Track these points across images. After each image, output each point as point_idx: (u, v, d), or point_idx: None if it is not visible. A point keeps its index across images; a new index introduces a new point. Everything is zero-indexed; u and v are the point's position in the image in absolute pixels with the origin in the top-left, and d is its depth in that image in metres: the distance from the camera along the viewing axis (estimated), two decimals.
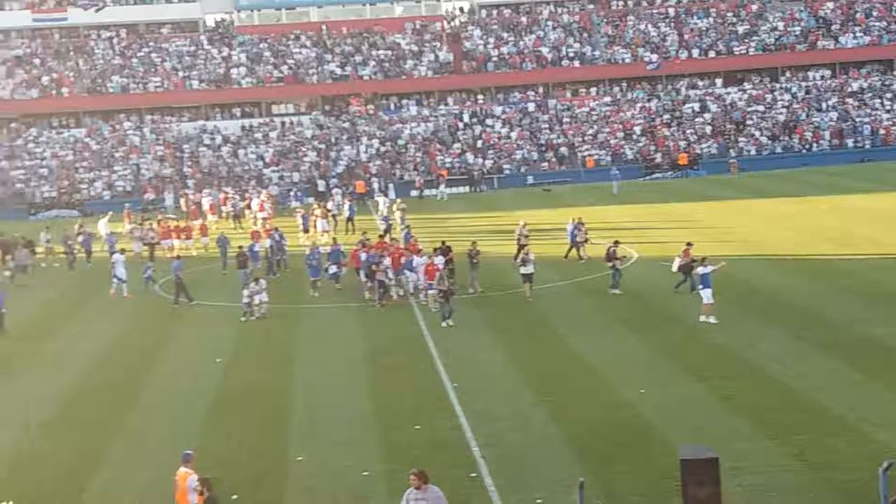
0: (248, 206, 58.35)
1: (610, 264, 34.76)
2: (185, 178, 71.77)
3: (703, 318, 29.59)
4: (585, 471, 18.37)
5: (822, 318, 29.33)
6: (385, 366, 27.53)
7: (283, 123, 78.54)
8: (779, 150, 74.92)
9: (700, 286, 30.11)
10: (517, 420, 22.38)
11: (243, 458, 20.68)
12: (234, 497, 18.07)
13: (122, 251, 41.36)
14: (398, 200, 54.25)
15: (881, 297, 31.38)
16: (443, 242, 37.13)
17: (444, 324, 31.20)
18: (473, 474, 19.35)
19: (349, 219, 52.84)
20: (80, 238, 47.90)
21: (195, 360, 29.26)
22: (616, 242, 35.50)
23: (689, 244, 34.31)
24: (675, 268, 33.59)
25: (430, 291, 33.08)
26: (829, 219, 46.50)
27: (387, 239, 40.68)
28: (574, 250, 41.15)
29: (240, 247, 40.65)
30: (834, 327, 28.31)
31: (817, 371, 24.39)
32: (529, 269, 34.30)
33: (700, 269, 30.24)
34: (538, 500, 17.86)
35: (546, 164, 74.11)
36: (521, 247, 38.80)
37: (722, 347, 27.05)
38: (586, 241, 40.91)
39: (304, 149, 75.55)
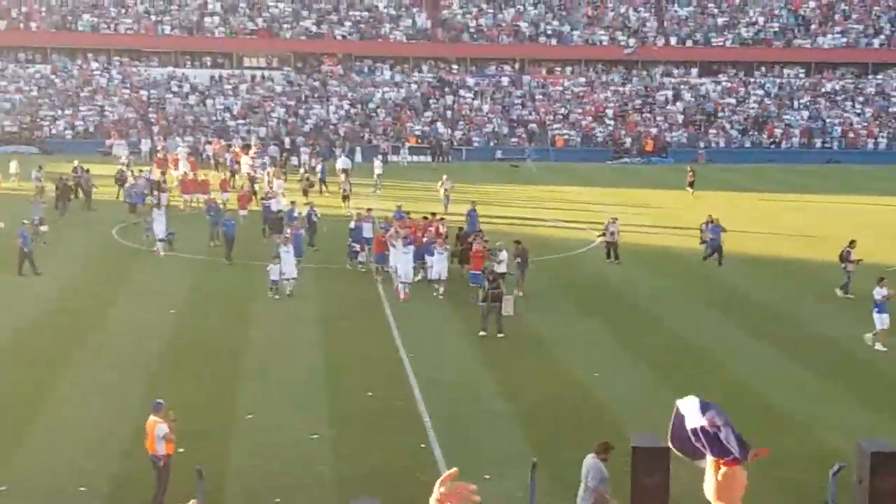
0: (238, 160, 56.00)
1: (843, 266, 31.65)
2: (150, 125, 70.81)
3: (875, 345, 26.20)
4: (535, 450, 18.28)
5: (781, 317, 29.37)
6: (341, 330, 27.29)
7: (253, 77, 77.63)
8: (747, 144, 75.21)
9: (875, 309, 26.45)
10: (470, 393, 22.28)
11: (191, 412, 20.34)
12: (181, 450, 17.80)
13: (158, 204, 38.60)
14: (445, 177, 47.75)
15: (842, 300, 31.45)
16: (519, 243, 31.82)
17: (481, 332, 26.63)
18: (423, 445, 19.24)
19: (321, 180, 51.23)
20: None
21: (150, 309, 28.85)
22: (852, 243, 32.15)
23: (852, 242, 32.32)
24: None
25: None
26: (795, 217, 46.70)
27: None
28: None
29: (279, 211, 38.97)
30: (792, 327, 28.36)
31: (771, 369, 24.44)
32: (502, 267, 30.41)
33: (877, 292, 26.47)
34: (486, 477, 17.75)
35: (516, 139, 73.91)
36: (608, 244, 35.88)
37: (676, 336, 27.05)
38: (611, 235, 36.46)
39: (272, 104, 74.78)
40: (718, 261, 35.21)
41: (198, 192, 45.35)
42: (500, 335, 26.48)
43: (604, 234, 36.57)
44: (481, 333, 26.62)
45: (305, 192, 46.31)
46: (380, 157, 59.61)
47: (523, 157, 66.28)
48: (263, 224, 39.21)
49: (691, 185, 53.66)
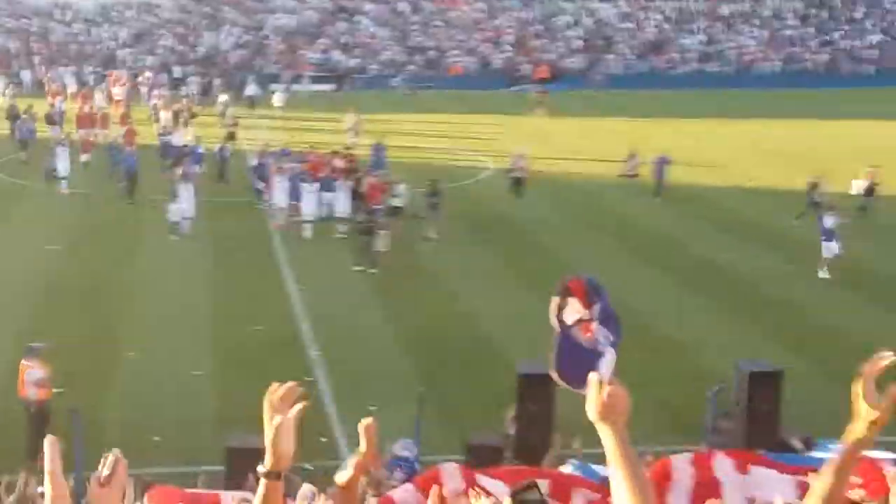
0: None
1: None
2: (31, 55, 68.25)
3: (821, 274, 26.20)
4: (421, 379, 18.27)
5: (664, 240, 29.76)
6: (229, 265, 26.89)
7: (141, 3, 75.32)
8: (644, 69, 75.62)
9: (822, 237, 26.37)
10: (357, 327, 22.18)
11: (71, 350, 19.80)
12: (60, 391, 17.34)
13: (62, 141, 36.27)
14: (353, 110, 46.21)
15: (723, 221, 31.96)
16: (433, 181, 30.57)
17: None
18: (309, 378, 19.07)
19: (222, 114, 49.13)
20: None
21: (33, 246, 28.01)
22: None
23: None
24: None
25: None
26: (684, 142, 47.17)
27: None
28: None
29: (185, 145, 37.40)
30: (674, 249, 28.76)
31: (654, 291, 24.72)
32: (399, 201, 29.86)
33: (827, 219, 26.37)
34: (372, 408, 17.65)
35: (413, 66, 73.13)
36: (515, 179, 34.64)
37: (561, 262, 27.05)
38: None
39: (161, 31, 72.65)
40: (657, 192, 34.78)
41: (96, 127, 43.09)
42: (371, 271, 26.10)
43: (511, 170, 35.37)
44: (355, 268, 26.26)
45: (186, 123, 44.11)
46: (283, 86, 58.29)
47: (394, 84, 65.51)
48: (163, 160, 37.24)
49: (540, 104, 56.16)
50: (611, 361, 3.56)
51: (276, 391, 3.32)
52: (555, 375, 3.55)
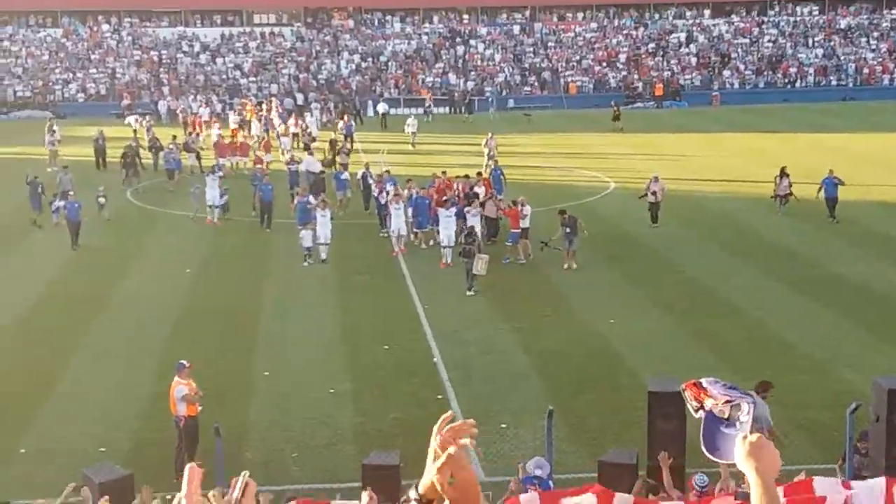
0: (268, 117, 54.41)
1: None
2: (161, 85, 70.63)
3: None
4: (551, 398, 18.30)
5: (795, 256, 29.26)
6: (357, 285, 27.32)
7: (263, 34, 77.25)
8: (762, 84, 74.46)
9: None
10: (486, 345, 22.32)
11: (208, 370, 20.45)
12: (199, 409, 17.93)
13: (214, 169, 35.94)
14: (490, 135, 44.29)
15: (855, 237, 31.31)
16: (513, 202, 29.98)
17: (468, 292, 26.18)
18: (439, 396, 19.32)
19: (347, 136, 49.33)
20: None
21: (170, 271, 28.89)
22: None
23: None
24: None
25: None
26: (809, 156, 46.32)
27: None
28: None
29: (321, 171, 37.88)
30: (806, 265, 28.23)
31: (787, 308, 24.36)
32: (525, 222, 28.96)
33: None
34: (503, 426, 17.83)
35: (528, 88, 73.40)
36: (651, 204, 32.84)
37: (693, 281, 26.96)
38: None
39: (283, 61, 74.41)
40: (831, 213, 32.80)
41: (236, 155, 43.90)
42: (469, 293, 25.95)
43: (645, 195, 33.29)
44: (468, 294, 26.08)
45: (307, 147, 43.93)
46: (416, 111, 58.69)
47: (487, 105, 65.50)
48: (290, 189, 36.75)
49: (616, 118, 56.97)
50: (747, 421, 3.80)
51: (443, 427, 3.27)
52: (706, 451, 3.81)
